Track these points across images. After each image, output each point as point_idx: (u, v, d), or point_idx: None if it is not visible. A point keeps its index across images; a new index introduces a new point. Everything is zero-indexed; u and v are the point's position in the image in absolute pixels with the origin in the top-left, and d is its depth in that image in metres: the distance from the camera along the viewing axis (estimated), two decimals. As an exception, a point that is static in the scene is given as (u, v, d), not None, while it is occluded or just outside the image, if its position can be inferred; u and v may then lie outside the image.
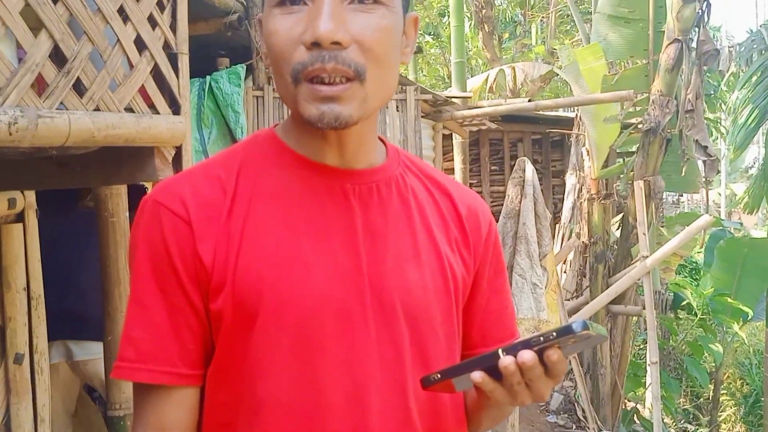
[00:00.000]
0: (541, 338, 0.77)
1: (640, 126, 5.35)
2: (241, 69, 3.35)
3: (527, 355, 0.79)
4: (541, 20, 14.51)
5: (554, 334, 0.77)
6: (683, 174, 5.49)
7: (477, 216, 1.05)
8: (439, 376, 0.84)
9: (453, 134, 6.99)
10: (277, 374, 0.89)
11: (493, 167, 8.85)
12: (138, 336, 0.90)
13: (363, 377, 0.90)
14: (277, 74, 0.90)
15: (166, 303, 0.89)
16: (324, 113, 0.85)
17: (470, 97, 7.24)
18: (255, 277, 0.88)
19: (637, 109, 5.61)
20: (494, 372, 0.80)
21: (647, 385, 5.92)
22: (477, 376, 0.81)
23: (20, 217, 1.80)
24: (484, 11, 12.42)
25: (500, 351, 0.79)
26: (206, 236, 0.89)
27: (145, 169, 1.53)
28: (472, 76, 10.00)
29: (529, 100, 7.42)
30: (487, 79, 8.40)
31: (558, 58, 11.37)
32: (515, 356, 0.79)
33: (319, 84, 0.85)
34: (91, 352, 2.62)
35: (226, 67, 3.38)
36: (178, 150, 1.60)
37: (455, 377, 0.83)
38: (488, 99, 9.52)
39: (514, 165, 3.99)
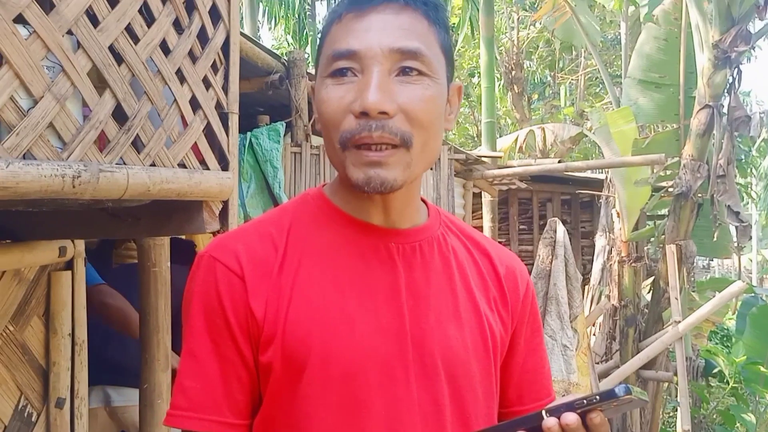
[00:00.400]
0: (584, 401, 0.79)
1: (671, 190, 5.35)
2: (280, 126, 3.45)
3: (571, 418, 0.81)
4: (570, 82, 14.67)
5: (597, 397, 0.79)
6: (715, 239, 5.46)
7: (515, 276, 1.08)
8: None
9: (482, 192, 7.04)
10: (322, 427, 0.91)
11: (521, 226, 8.85)
12: (190, 386, 0.93)
13: None
14: (327, 139, 0.96)
15: (218, 355, 0.93)
16: (371, 178, 0.90)
17: (500, 157, 7.31)
18: (304, 332, 0.92)
19: (668, 172, 5.63)
20: None
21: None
22: None
23: (69, 265, 1.87)
24: (513, 72, 12.63)
25: (544, 413, 0.81)
26: (258, 291, 0.93)
27: (193, 221, 1.59)
28: (500, 136, 10.10)
29: (559, 161, 7.48)
30: (516, 139, 8.48)
31: (587, 119, 11.46)
32: (558, 418, 0.81)
33: (366, 150, 0.90)
34: (128, 399, 2.65)
35: (267, 124, 3.48)
36: (225, 204, 1.65)
37: None
38: (517, 159, 9.58)
39: (542, 224, 4.02)
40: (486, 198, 7.36)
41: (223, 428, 0.93)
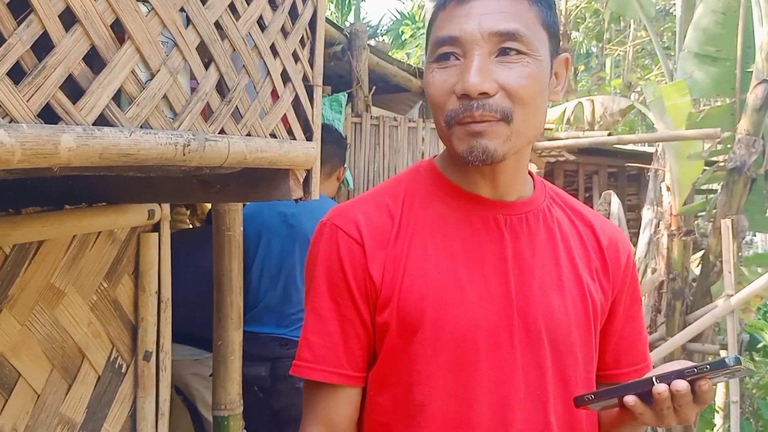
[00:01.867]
0: (695, 369, 0.86)
1: (724, 164, 5.30)
2: (342, 97, 3.52)
3: (681, 384, 0.87)
4: (618, 54, 14.41)
5: (708, 366, 0.85)
6: (767, 214, 5.40)
7: (617, 247, 1.15)
8: (593, 396, 0.93)
9: (530, 164, 7.03)
10: (433, 384, 1.00)
11: (567, 198, 8.80)
12: (314, 341, 1.03)
13: (509, 394, 1.01)
14: (435, 118, 1.05)
15: (339, 314, 1.02)
16: (473, 147, 0.97)
17: (551, 129, 7.28)
18: (417, 297, 1.00)
19: (721, 147, 5.56)
20: (645, 396, 0.88)
21: (716, 427, 5.79)
22: (630, 399, 0.90)
23: (156, 227, 1.98)
24: (561, 43, 12.43)
25: (654, 378, 0.88)
26: (376, 258, 1.02)
27: (280, 188, 1.67)
28: (549, 107, 10.02)
29: (609, 134, 7.41)
30: (564, 111, 8.41)
31: (634, 91, 11.28)
32: (669, 384, 0.87)
33: (470, 123, 0.97)
34: (175, 354, 2.77)
35: (329, 95, 3.55)
36: (308, 172, 1.73)
37: (606, 399, 0.92)
38: (565, 131, 9.51)
39: (588, 197, 4.03)
40: (533, 169, 7.34)
41: (342, 379, 1.03)
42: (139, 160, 1.22)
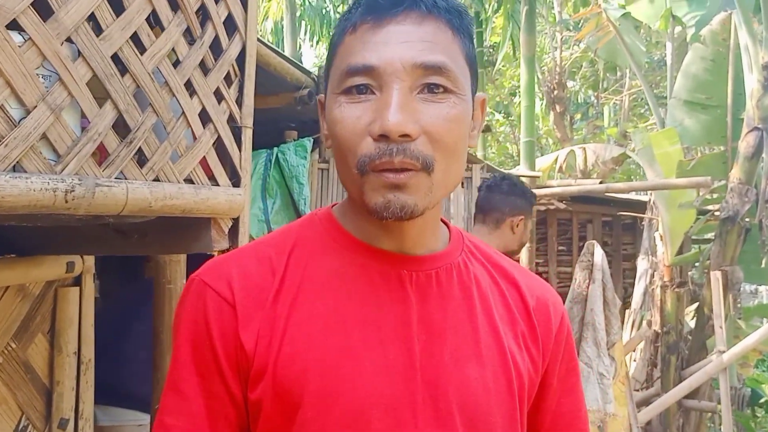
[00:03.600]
0: None
1: (717, 213, 5.15)
2: (308, 142, 3.40)
3: None
4: (614, 103, 14.43)
5: None
6: (763, 265, 5.23)
7: (547, 307, 0.98)
8: None
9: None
10: None
11: (560, 247, 8.65)
12: (172, 424, 0.85)
13: None
14: (341, 162, 0.87)
15: (203, 390, 0.85)
16: (390, 202, 0.81)
17: (539, 177, 7.17)
18: (299, 368, 0.83)
19: (714, 196, 5.42)
20: None
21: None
22: None
23: (77, 281, 1.82)
24: (555, 92, 12.45)
25: None
26: (250, 321, 0.85)
27: (201, 239, 1.52)
28: (542, 155, 9.93)
29: (601, 182, 7.29)
30: (556, 159, 8.31)
31: (631, 140, 11.21)
32: None
33: (386, 171, 0.81)
34: (115, 419, 2.59)
35: (294, 140, 3.44)
36: (236, 222, 1.58)
37: None
38: (557, 179, 9.41)
39: (582, 246, 3.87)
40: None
41: None
42: (5, 207, 1.06)
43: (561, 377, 0.98)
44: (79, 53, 1.18)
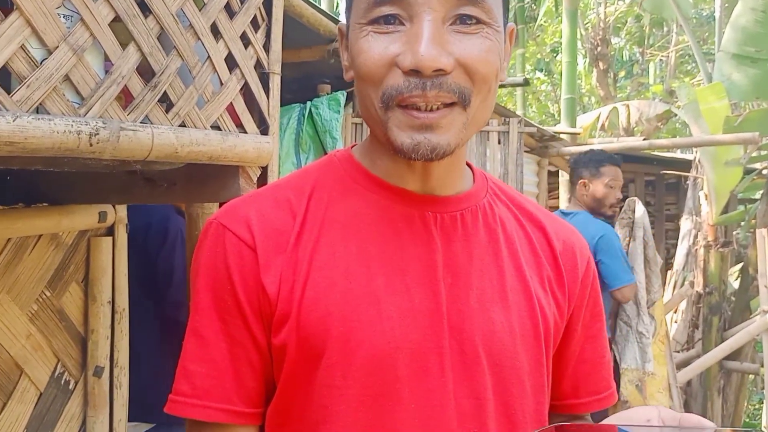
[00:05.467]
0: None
1: (765, 171, 4.99)
2: (341, 96, 3.34)
3: None
4: (660, 59, 14.02)
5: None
6: (812, 224, 5.07)
7: (574, 252, 0.94)
8: None
9: (560, 171, 6.77)
10: (343, 421, 0.80)
11: (602, 208, 8.51)
12: (195, 370, 0.83)
13: (438, 431, 0.81)
14: (363, 95, 0.82)
15: (226, 335, 0.83)
16: (419, 144, 0.77)
17: (579, 134, 7.01)
18: (322, 312, 0.80)
19: (762, 153, 5.24)
20: None
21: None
22: None
23: (110, 231, 1.82)
24: (599, 49, 12.13)
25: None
26: (272, 265, 0.82)
27: (229, 188, 1.50)
28: (584, 113, 9.72)
29: (644, 140, 7.11)
30: (599, 117, 8.12)
31: (677, 97, 10.90)
32: None
33: (415, 110, 0.77)
34: None
35: (327, 94, 3.38)
36: (264, 170, 1.56)
37: None
38: (599, 137, 9.21)
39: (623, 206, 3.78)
40: (563, 177, 7.06)
41: (231, 417, 0.83)
42: (29, 149, 1.05)
43: (585, 323, 0.95)
44: (101, -7, 1.16)
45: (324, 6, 11.10)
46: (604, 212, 3.46)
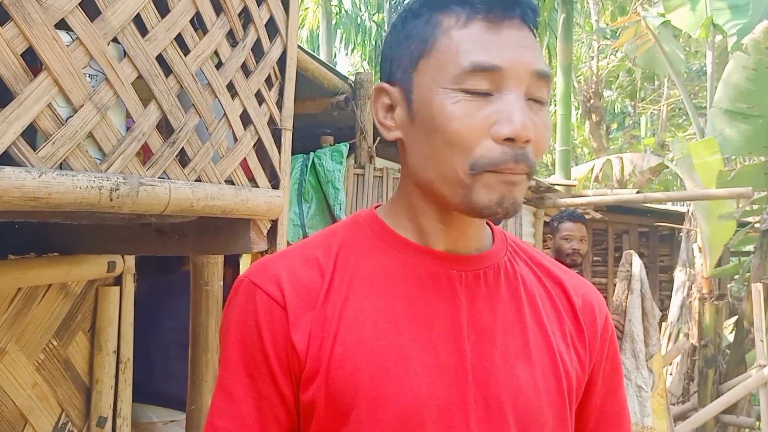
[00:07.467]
0: None
1: (757, 225, 5.05)
2: (344, 147, 3.40)
3: None
4: (652, 112, 14.24)
5: None
6: (806, 279, 5.11)
7: (593, 308, 0.96)
8: None
9: (555, 222, 6.81)
10: None
11: (595, 258, 8.56)
12: (222, 426, 0.85)
13: None
14: (443, 158, 0.83)
15: (254, 392, 0.85)
16: (504, 198, 0.81)
17: (574, 186, 7.09)
18: (351, 369, 0.82)
19: (755, 207, 5.31)
20: None
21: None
22: None
23: (118, 281, 1.84)
24: (592, 101, 12.33)
25: None
26: (301, 322, 0.84)
27: (239, 240, 1.53)
28: (576, 165, 9.83)
29: (638, 192, 7.19)
30: (592, 169, 8.22)
31: (668, 150, 11.05)
32: None
33: (507, 173, 0.81)
34: (151, 417, 2.60)
35: (330, 145, 3.44)
36: (274, 223, 1.58)
37: None
38: (593, 189, 9.30)
39: (617, 257, 3.84)
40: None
41: None
42: (52, 204, 1.08)
43: (605, 376, 0.97)
44: (125, 53, 1.20)
45: (323, 58, 11.30)
46: (564, 261, 3.77)
